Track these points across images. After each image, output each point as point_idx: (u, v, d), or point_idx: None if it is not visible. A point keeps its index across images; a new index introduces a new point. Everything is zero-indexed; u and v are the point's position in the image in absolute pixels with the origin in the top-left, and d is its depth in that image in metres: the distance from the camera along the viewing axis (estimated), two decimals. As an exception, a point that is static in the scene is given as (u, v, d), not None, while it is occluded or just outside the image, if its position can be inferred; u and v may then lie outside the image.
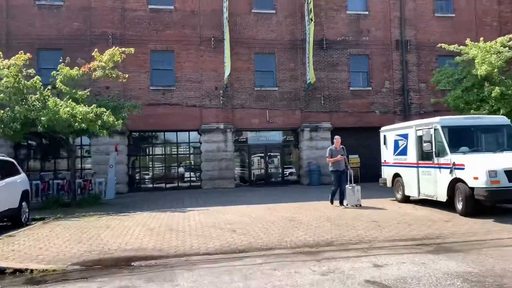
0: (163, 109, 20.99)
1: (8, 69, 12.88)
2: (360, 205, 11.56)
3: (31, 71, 13.43)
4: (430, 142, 10.40)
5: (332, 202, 12.15)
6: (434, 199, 10.72)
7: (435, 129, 10.59)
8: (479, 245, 6.83)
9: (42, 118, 12.52)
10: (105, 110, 13.55)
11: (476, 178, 9.08)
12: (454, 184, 9.81)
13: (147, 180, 21.96)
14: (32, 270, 6.12)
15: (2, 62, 13.12)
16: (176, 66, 21.47)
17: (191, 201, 15.23)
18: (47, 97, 13.27)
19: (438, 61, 22.71)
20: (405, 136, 12.14)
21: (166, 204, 14.11)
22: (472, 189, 9.20)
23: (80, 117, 12.71)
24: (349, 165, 12.43)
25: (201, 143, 21.38)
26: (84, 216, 11.44)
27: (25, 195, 10.88)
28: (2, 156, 10.80)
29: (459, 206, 9.69)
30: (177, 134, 21.97)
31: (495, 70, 15.59)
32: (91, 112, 12.88)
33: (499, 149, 10.40)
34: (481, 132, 10.72)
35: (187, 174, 22.36)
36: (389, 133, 13.39)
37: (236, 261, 6.30)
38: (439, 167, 10.36)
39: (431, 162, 10.70)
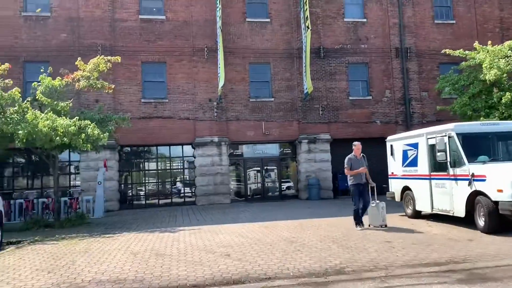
0: (155, 122, 20.11)
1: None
2: (386, 226, 9.75)
3: (8, 81, 12.45)
4: (444, 151, 9.42)
5: (358, 224, 9.75)
6: (450, 214, 9.70)
7: (449, 137, 9.61)
8: (515, 270, 5.83)
9: (20, 132, 11.46)
10: (89, 122, 12.55)
11: (500, 190, 8.08)
12: (474, 197, 8.81)
13: (139, 197, 20.88)
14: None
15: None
16: (169, 78, 20.63)
17: (183, 218, 14.17)
18: (26, 109, 12.26)
19: (439, 69, 22.09)
20: (415, 146, 11.16)
21: (157, 223, 13.08)
22: (496, 203, 8.19)
23: (61, 130, 11.70)
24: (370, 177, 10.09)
25: (195, 157, 20.40)
26: (63, 239, 10.36)
27: (-4, 217, 9.80)
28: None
29: (481, 222, 8.68)
30: (170, 148, 21.01)
31: (504, 75, 14.77)
32: (73, 125, 11.86)
33: (521, 157, 9.44)
34: (499, 140, 9.73)
35: (181, 190, 21.34)
36: (397, 143, 12.41)
37: (229, 295, 5.27)
38: (455, 179, 9.37)
39: (445, 173, 9.71)
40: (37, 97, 12.81)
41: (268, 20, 21.61)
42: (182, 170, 21.74)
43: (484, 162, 8.98)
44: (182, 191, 21.26)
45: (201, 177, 20.07)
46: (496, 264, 6.17)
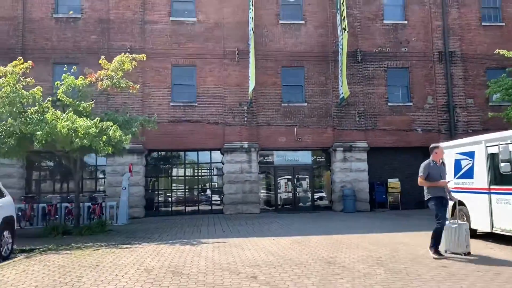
0: (184, 126, 19.41)
1: (5, 77, 11.41)
2: (469, 253, 7.75)
3: (30, 79, 11.91)
4: (509, 161, 8.08)
5: (436, 251, 7.62)
6: (516, 235, 8.32)
7: (515, 145, 8.27)
8: None
9: (38, 133, 10.84)
10: (111, 124, 11.83)
11: None
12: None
13: (165, 204, 20.17)
14: None
15: (-2, 70, 11.65)
16: (198, 81, 19.93)
17: (208, 229, 13.23)
18: (46, 109, 11.66)
19: (487, 74, 20.51)
20: (471, 155, 9.79)
21: (180, 233, 12.21)
22: None
23: (81, 132, 11.01)
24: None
25: (223, 164, 19.52)
26: (78, 248, 9.60)
27: (8, 223, 9.11)
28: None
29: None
30: (198, 153, 20.27)
31: None
32: (94, 126, 11.16)
33: None
34: None
35: (209, 197, 20.49)
36: (448, 151, 10.99)
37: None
38: (523, 194, 8.01)
39: (510, 187, 8.34)
40: (58, 97, 12.23)
41: (302, 22, 20.63)
42: (210, 177, 20.93)
43: (561, 175, 7.60)
44: (210, 199, 20.41)
45: (229, 184, 19.15)
46: None
